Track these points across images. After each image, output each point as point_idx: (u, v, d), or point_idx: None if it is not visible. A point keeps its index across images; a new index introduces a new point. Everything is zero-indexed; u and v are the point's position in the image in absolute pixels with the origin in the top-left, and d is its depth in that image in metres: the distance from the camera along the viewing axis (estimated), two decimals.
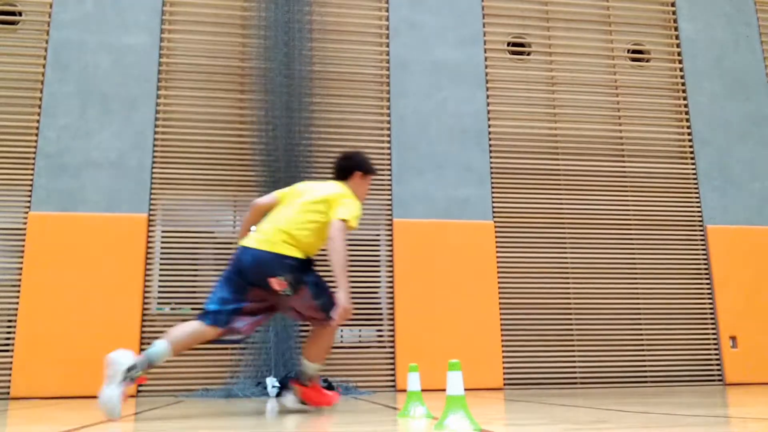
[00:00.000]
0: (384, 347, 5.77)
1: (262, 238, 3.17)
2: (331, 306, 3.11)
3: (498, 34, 6.63)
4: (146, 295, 5.49)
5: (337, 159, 3.57)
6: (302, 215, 3.20)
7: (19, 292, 5.29)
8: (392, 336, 5.74)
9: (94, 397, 5.05)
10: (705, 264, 6.38)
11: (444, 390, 2.08)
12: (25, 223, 5.45)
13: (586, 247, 6.26)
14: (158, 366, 5.48)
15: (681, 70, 6.82)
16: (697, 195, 6.53)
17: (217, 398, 4.86)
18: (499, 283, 5.96)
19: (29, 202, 5.50)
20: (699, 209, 6.49)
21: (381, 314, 5.84)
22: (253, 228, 3.38)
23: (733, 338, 6.16)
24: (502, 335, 5.85)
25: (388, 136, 6.16)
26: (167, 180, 5.78)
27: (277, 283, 3.09)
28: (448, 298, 5.79)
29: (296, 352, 5.33)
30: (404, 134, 6.15)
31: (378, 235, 6.02)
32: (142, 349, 5.34)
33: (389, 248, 5.94)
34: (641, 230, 6.38)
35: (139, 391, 5.24)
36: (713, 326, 6.23)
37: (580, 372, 5.96)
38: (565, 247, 6.22)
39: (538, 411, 3.03)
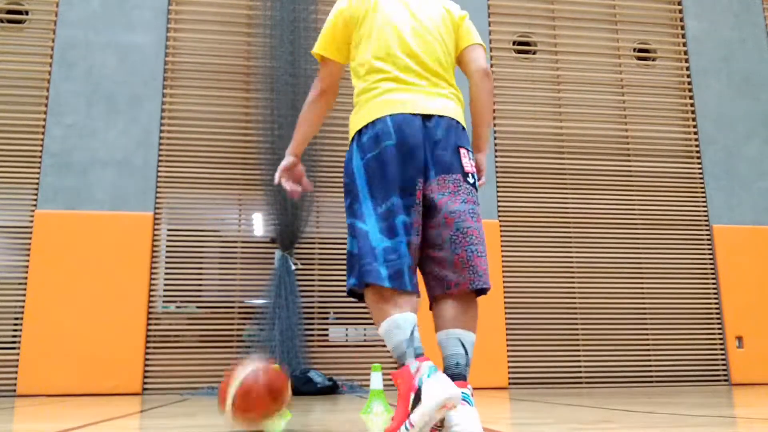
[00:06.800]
0: None
1: (445, 92, 2.04)
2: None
3: (504, 33, 6.61)
4: (152, 293, 5.50)
5: None
6: (449, 50, 2.16)
7: (25, 289, 5.31)
8: None
9: (100, 394, 5.09)
10: (711, 264, 6.36)
11: None
12: (31, 221, 5.47)
13: (592, 247, 6.24)
14: (163, 364, 5.46)
15: (687, 69, 6.80)
16: (703, 194, 6.50)
17: None
18: (504, 282, 5.95)
19: (35, 200, 5.52)
20: (705, 209, 6.47)
21: None
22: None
23: (740, 338, 6.14)
24: (507, 334, 5.84)
25: None
26: (173, 178, 5.79)
27: (467, 161, 2.00)
28: None
29: (301, 350, 5.34)
30: None
31: None
32: (146, 347, 5.37)
33: None
34: (647, 229, 6.35)
35: (144, 390, 5.26)
36: (719, 326, 6.21)
37: (586, 371, 5.94)
38: (571, 247, 6.21)
39: (544, 410, 3.02)
